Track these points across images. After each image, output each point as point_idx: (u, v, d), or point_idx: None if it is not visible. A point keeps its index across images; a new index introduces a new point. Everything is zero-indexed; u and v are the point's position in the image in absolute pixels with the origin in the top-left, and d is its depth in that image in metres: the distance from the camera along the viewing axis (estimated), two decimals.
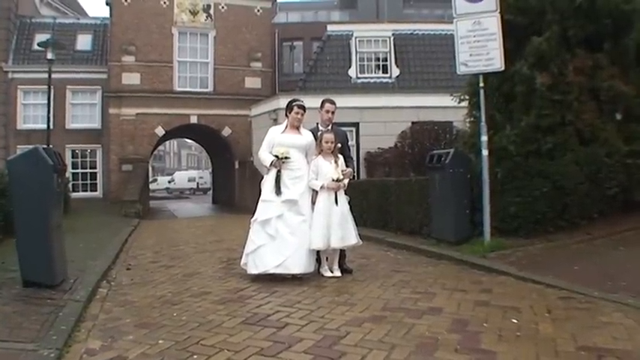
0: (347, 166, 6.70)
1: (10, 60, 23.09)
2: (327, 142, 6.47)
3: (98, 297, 5.56)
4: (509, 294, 5.35)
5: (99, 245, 9.23)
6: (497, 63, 7.50)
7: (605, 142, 8.11)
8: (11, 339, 3.81)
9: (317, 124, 6.96)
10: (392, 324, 4.25)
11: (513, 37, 7.82)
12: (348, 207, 6.50)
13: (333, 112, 6.91)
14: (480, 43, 7.61)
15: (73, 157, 23.16)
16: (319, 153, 6.51)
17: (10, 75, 22.90)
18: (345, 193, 6.54)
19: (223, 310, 4.82)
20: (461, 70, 7.89)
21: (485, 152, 7.57)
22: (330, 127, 6.82)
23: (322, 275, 6.36)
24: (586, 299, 4.97)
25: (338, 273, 6.43)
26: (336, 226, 6.28)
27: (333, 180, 6.32)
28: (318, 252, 6.39)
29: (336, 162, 6.48)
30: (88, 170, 23.68)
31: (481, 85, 7.72)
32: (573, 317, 4.41)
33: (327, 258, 6.47)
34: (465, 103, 9.07)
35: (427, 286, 5.79)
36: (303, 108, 6.56)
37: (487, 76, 7.79)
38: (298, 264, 6.11)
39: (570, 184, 7.81)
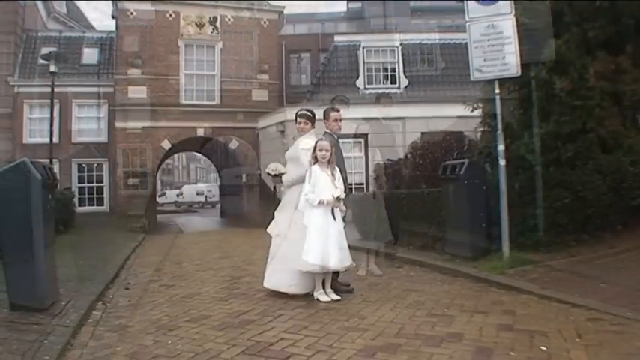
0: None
1: (17, 74, 23.00)
2: (320, 151, 5.91)
3: (91, 320, 5.24)
4: (533, 315, 4.99)
5: (100, 262, 8.96)
6: (513, 68, 7.16)
7: (629, 149, 7.80)
8: None
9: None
10: (408, 353, 3.88)
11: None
12: (343, 224, 6.04)
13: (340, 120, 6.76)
14: (494, 47, 7.26)
15: (79, 172, 23.02)
16: (314, 162, 5.96)
17: (16, 89, 22.79)
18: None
19: (222, 337, 4.46)
20: (475, 76, 7.52)
21: (502, 162, 7.23)
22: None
23: (318, 300, 5.78)
24: (617, 320, 4.61)
25: (335, 296, 5.85)
26: (335, 246, 5.77)
27: (338, 198, 5.84)
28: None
29: (332, 174, 5.95)
30: (95, 184, 23.51)
31: (497, 91, 7.38)
32: (606, 342, 4.06)
33: (323, 281, 5.88)
34: (477, 113, 8.84)
35: (444, 307, 5.42)
36: (304, 116, 6.45)
37: (503, 81, 7.48)
38: (267, 278, 6.17)
39: (592, 195, 7.47)
